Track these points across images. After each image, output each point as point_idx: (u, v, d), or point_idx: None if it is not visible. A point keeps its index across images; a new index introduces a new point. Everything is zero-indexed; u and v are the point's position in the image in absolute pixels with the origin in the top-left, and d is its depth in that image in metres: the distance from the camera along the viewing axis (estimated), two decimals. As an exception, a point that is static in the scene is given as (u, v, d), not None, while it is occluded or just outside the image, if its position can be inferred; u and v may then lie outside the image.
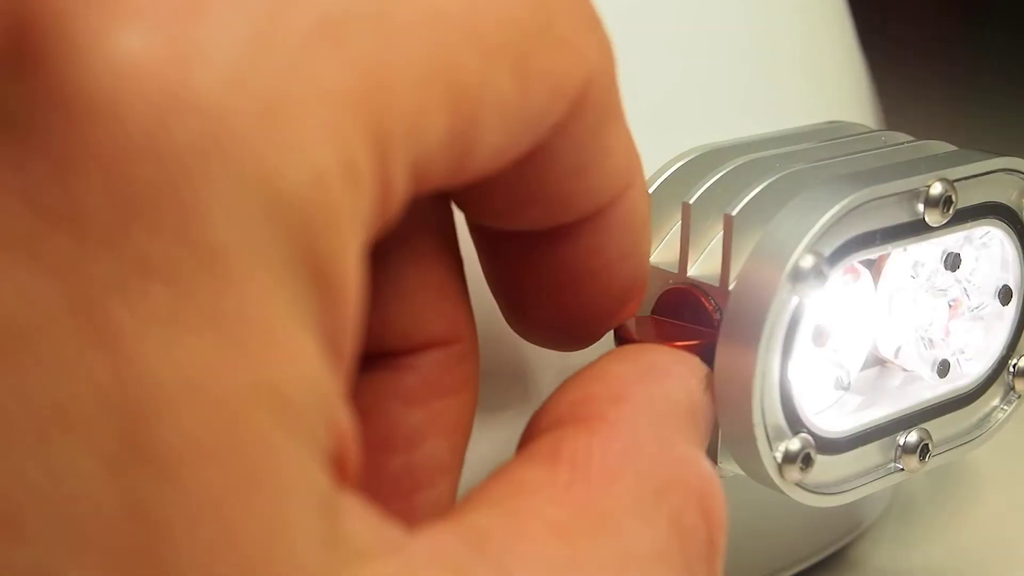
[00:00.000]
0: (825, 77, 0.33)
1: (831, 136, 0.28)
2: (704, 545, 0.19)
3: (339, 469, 0.16)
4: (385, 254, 0.19)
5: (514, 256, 0.22)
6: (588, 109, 0.19)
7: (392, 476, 0.20)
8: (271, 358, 0.14)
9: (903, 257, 0.26)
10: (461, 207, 0.21)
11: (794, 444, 0.23)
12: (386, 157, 0.16)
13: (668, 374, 0.21)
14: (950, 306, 0.27)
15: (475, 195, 0.20)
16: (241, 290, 0.14)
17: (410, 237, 0.20)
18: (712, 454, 0.24)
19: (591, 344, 0.23)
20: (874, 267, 0.25)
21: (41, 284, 0.14)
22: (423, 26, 0.16)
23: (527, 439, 0.20)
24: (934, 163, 0.25)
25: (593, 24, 0.19)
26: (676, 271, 0.25)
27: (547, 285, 0.21)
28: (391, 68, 0.16)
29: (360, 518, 0.16)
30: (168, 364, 0.14)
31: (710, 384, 0.22)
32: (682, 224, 0.25)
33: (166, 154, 0.14)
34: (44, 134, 0.14)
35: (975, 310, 0.27)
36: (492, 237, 0.22)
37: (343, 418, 0.16)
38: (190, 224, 0.14)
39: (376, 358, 0.20)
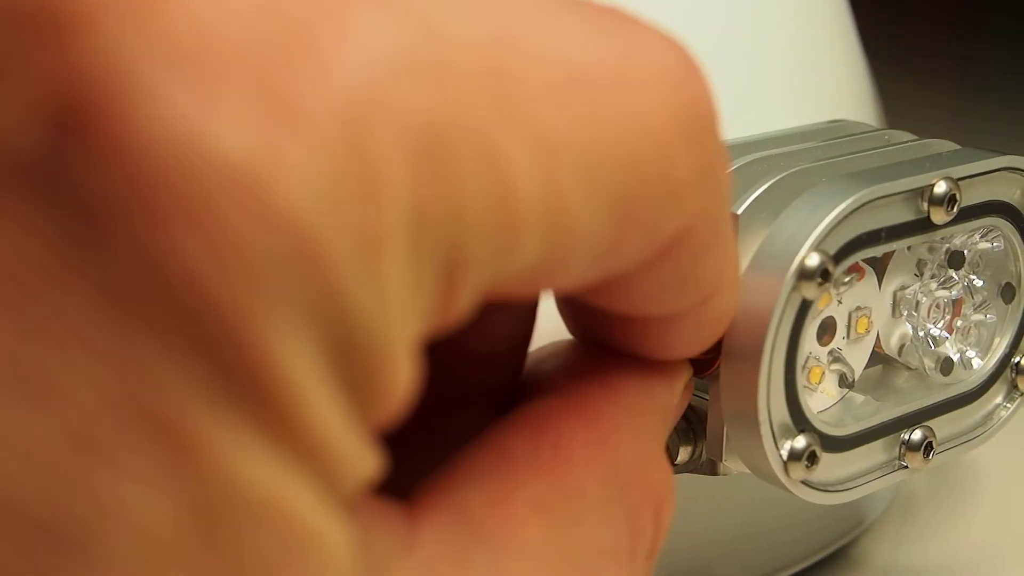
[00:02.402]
0: (828, 76, 0.34)
1: (835, 135, 0.29)
2: (648, 547, 0.20)
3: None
4: None
5: (588, 313, 0.21)
6: (680, 251, 0.18)
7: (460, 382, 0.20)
8: (334, 468, 0.15)
9: (907, 255, 0.26)
10: None
11: (799, 442, 0.23)
12: (461, 283, 0.15)
13: (658, 373, 0.21)
14: (953, 304, 0.27)
15: None
16: (307, 411, 0.14)
17: None
18: (717, 452, 0.24)
19: None
20: (878, 265, 0.26)
21: (120, 386, 0.13)
22: (534, 158, 0.15)
23: (521, 393, 0.20)
24: (938, 162, 0.25)
25: (712, 168, 0.18)
26: (681, 269, 0.25)
27: (616, 342, 0.21)
28: (487, 204, 0.15)
29: (379, 529, 0.16)
30: (252, 478, 0.14)
31: (689, 388, 0.22)
32: (687, 223, 0.25)
33: (253, 269, 0.13)
34: (128, 227, 0.13)
35: (978, 308, 0.27)
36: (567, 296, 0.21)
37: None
38: (268, 343, 0.14)
39: None
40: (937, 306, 0.27)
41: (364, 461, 0.15)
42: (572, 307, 0.22)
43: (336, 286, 0.14)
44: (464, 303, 0.16)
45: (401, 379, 0.15)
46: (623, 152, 0.16)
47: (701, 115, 0.17)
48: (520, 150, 0.15)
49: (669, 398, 0.21)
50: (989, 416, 0.28)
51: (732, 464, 0.25)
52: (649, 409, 0.21)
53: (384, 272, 0.14)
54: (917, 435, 0.26)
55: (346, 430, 0.15)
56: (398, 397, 0.15)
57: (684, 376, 0.22)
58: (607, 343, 0.21)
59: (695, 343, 0.21)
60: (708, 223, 0.18)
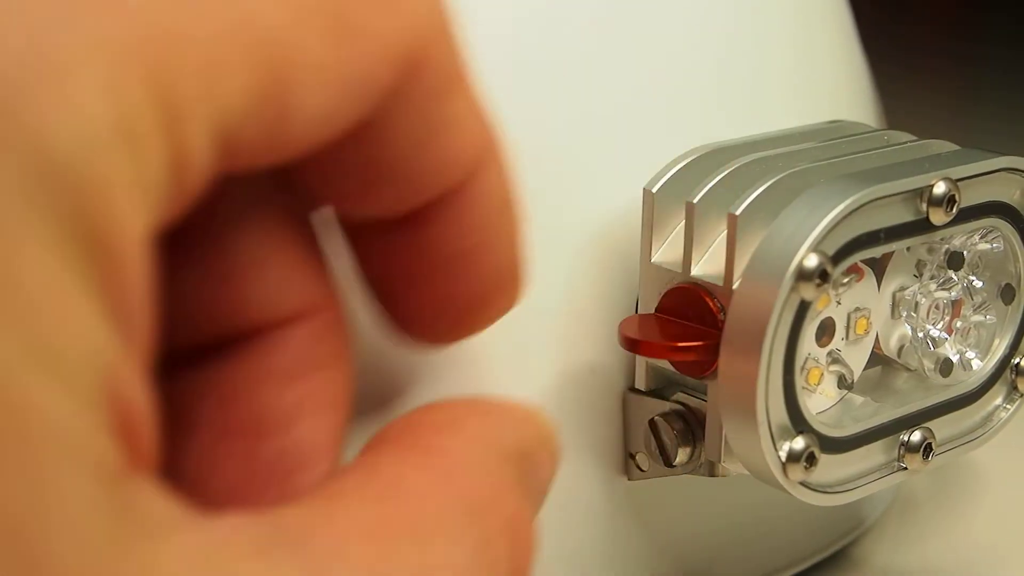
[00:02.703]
0: (827, 77, 0.33)
1: (834, 135, 0.29)
2: None
3: (131, 449, 0.15)
4: (229, 231, 0.19)
5: (377, 246, 0.21)
6: (425, 75, 0.18)
7: (266, 461, 0.19)
8: (44, 321, 0.14)
9: (906, 256, 0.26)
10: (309, 193, 0.20)
11: (798, 443, 0.23)
12: (176, 118, 0.15)
13: (504, 416, 0.21)
14: (953, 305, 0.27)
15: (316, 175, 0.19)
16: (11, 255, 0.14)
17: (253, 212, 0.19)
18: (716, 454, 0.24)
19: (468, 337, 0.22)
20: (877, 266, 0.25)
21: None
22: None
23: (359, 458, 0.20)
24: (937, 162, 0.25)
25: None
26: (680, 270, 0.25)
27: (411, 274, 0.21)
28: (179, 20, 0.15)
29: (157, 496, 0.15)
30: None
31: (549, 442, 0.21)
32: (686, 223, 0.25)
33: None
34: None
35: (978, 309, 0.27)
36: (355, 230, 0.21)
37: (133, 393, 0.15)
38: None
39: (241, 340, 0.19)
40: (936, 307, 0.27)
41: (87, 324, 0.14)
42: (368, 259, 0.21)
43: (25, 123, 0.14)
44: (199, 159, 0.16)
45: (131, 242, 0.15)
46: None
47: None
48: None
49: (518, 440, 0.20)
50: (989, 417, 0.28)
51: (731, 465, 0.25)
52: (495, 444, 0.20)
53: (81, 108, 0.14)
54: (916, 436, 0.26)
55: (62, 285, 0.14)
56: (132, 268, 0.15)
57: (539, 425, 0.21)
58: (409, 282, 0.21)
59: (492, 241, 0.20)
60: (440, 44, 0.18)
